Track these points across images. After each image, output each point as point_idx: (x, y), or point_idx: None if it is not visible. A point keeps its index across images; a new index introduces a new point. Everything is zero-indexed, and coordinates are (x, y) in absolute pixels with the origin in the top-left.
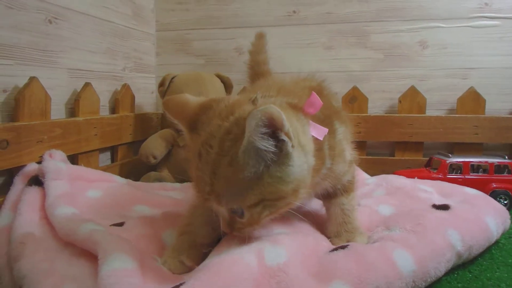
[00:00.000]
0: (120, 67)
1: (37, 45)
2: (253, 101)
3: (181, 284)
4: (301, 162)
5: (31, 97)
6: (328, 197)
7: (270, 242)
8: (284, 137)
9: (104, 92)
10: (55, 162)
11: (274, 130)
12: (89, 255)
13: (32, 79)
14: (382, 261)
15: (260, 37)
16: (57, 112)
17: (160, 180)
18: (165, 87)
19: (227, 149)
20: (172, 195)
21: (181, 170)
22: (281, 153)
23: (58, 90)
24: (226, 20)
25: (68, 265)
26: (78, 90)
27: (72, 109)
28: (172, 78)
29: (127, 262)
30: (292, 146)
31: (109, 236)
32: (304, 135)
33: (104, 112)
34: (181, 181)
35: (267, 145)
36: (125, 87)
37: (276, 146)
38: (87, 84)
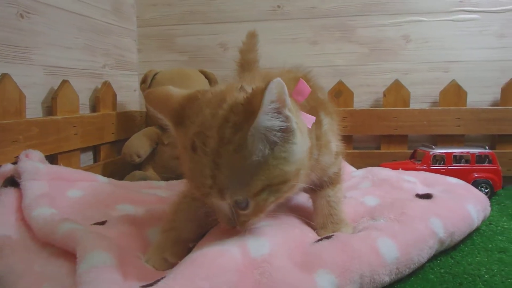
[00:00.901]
0: (100, 64)
1: (9, 41)
2: (241, 89)
3: (162, 278)
4: (301, 141)
5: (4, 95)
6: (314, 189)
7: (253, 234)
8: (288, 113)
9: (83, 90)
10: (32, 162)
11: (279, 107)
12: (69, 255)
13: (4, 76)
14: (366, 249)
15: (252, 36)
16: (34, 111)
17: (145, 179)
18: (147, 84)
19: (229, 136)
20: (157, 193)
21: (166, 168)
22: (286, 131)
23: (33, 88)
24: (210, 15)
25: (47, 265)
26: (56, 88)
27: (50, 107)
28: (155, 74)
29: (106, 259)
30: (296, 123)
31: (88, 233)
32: (297, 117)
33: (84, 110)
34: (167, 179)
35: (278, 121)
36: (106, 84)
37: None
38: (64, 82)
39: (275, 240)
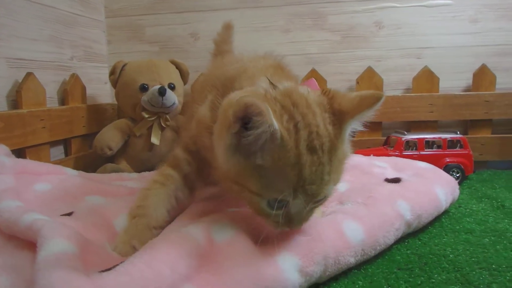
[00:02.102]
0: (68, 56)
1: None
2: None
3: (121, 262)
4: None
5: None
6: None
7: (219, 218)
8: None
9: (50, 83)
10: None
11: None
12: (33, 246)
13: None
14: (331, 232)
15: (228, 27)
16: None
17: (117, 171)
18: (116, 75)
19: (333, 131)
20: (128, 184)
21: (139, 160)
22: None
23: None
24: (180, 4)
25: (10, 257)
26: (20, 81)
27: (15, 101)
28: (123, 66)
29: (67, 247)
30: None
31: (50, 223)
32: None
33: (53, 104)
34: (139, 171)
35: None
36: (74, 77)
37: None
38: (29, 74)
39: (240, 224)
